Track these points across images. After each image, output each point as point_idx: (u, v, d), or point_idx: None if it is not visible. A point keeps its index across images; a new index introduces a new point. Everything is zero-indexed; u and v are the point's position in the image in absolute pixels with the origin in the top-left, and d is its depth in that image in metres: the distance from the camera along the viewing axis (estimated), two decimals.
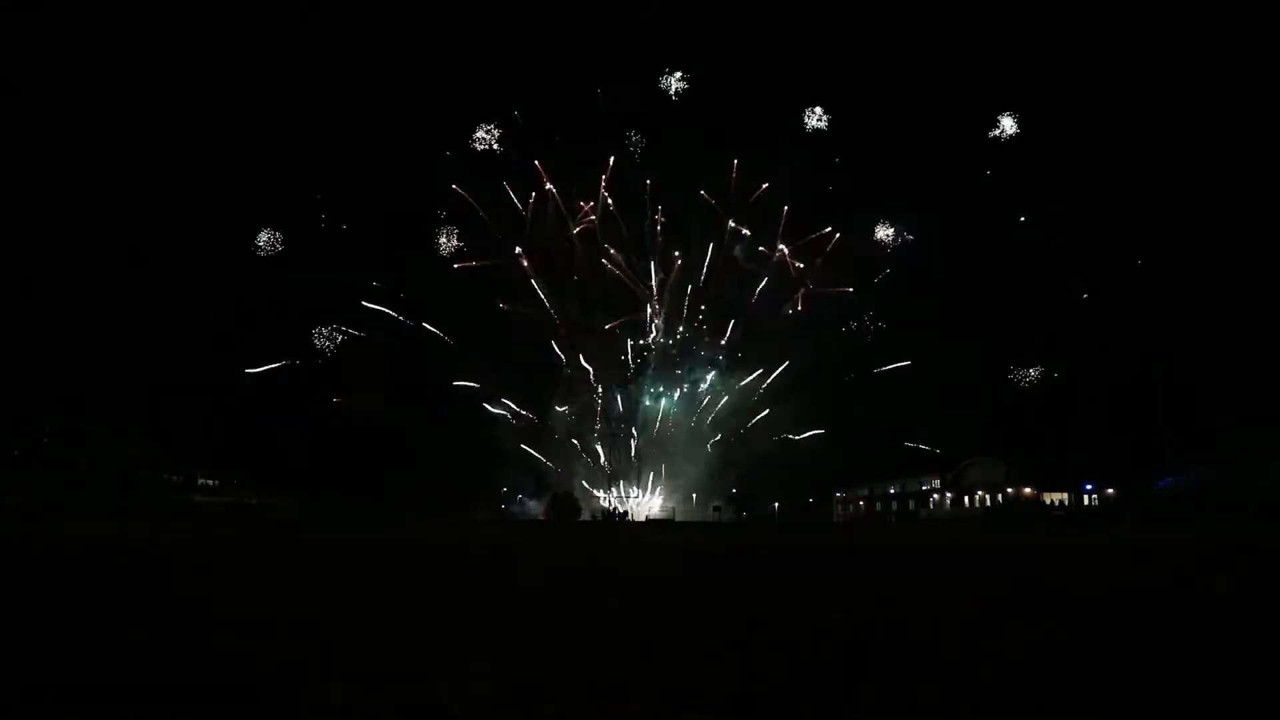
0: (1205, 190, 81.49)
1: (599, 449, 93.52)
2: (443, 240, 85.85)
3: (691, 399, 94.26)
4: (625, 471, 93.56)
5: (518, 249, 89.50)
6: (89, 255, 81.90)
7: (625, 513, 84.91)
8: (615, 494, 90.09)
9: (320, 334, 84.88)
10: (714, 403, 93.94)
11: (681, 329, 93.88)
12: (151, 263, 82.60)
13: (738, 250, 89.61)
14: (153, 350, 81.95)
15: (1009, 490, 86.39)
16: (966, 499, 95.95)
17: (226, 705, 2.86)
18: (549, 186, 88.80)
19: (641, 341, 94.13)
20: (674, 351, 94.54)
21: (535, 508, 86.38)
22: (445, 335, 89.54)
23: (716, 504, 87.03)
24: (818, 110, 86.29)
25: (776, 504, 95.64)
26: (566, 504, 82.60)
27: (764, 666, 3.58)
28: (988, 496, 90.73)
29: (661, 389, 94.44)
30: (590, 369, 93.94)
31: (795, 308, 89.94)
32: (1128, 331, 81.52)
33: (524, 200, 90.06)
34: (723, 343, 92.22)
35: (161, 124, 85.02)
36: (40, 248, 79.51)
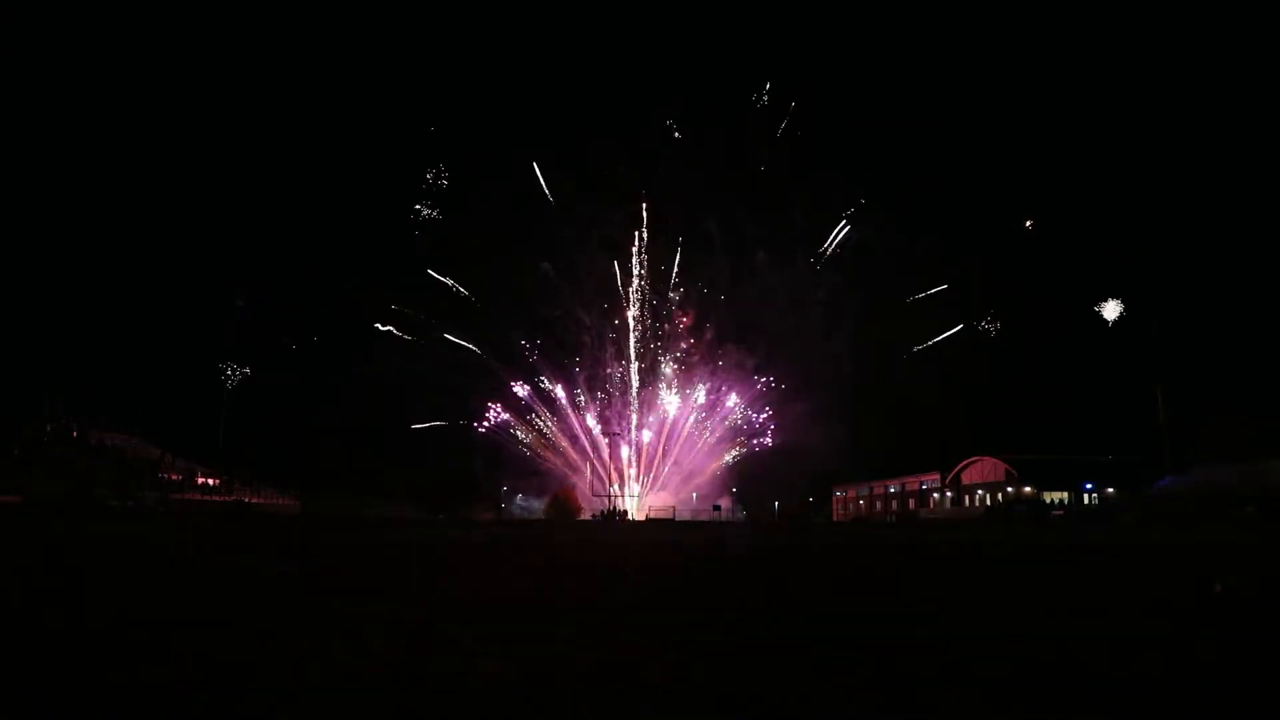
0: (1205, 190, 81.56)
1: (602, 448, 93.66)
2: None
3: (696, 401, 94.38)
4: (627, 470, 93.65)
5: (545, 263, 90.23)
6: (89, 255, 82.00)
7: (625, 511, 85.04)
8: (616, 493, 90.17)
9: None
10: (718, 403, 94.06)
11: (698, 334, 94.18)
12: (151, 262, 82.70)
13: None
14: (154, 350, 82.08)
15: (1009, 490, 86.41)
16: (966, 498, 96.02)
17: (225, 705, 2.86)
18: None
19: (653, 345, 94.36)
20: (687, 356, 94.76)
21: (537, 507, 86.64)
22: (457, 339, 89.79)
23: (716, 503, 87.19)
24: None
25: (776, 503, 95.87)
26: (566, 503, 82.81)
27: (758, 661, 3.58)
28: (987, 496, 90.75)
29: (669, 390, 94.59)
30: (596, 370, 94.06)
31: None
32: (1128, 331, 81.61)
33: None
34: (737, 351, 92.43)
35: (160, 127, 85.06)
36: (41, 247, 79.58)
